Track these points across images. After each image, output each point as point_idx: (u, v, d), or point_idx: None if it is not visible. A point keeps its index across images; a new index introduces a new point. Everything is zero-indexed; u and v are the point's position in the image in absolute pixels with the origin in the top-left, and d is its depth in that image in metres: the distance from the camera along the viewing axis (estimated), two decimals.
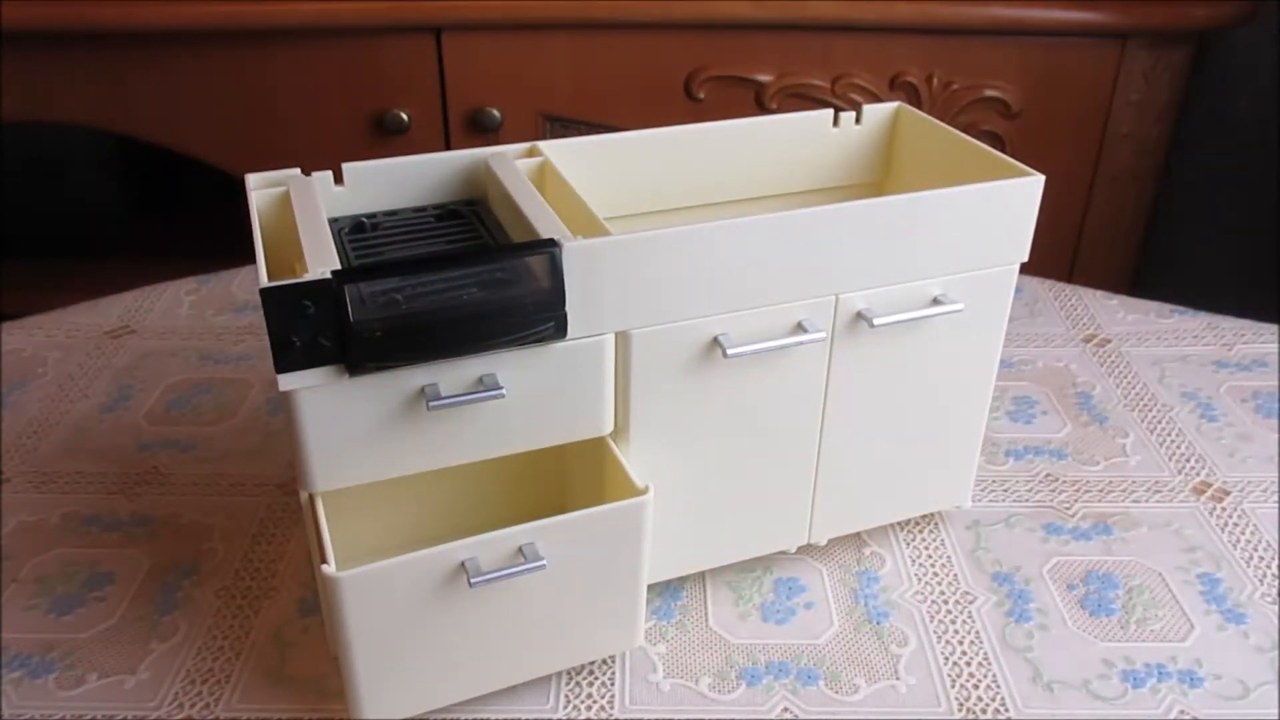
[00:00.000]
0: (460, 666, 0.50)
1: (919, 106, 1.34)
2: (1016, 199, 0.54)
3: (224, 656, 0.56)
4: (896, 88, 1.33)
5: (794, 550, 0.61)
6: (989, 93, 1.35)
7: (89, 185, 1.77)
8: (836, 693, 0.54)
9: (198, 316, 0.88)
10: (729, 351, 0.50)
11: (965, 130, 1.37)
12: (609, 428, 0.51)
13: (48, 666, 0.56)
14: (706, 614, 0.58)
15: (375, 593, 0.45)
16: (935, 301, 0.54)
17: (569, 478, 0.60)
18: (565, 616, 0.51)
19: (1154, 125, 1.38)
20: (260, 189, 0.52)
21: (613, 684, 0.54)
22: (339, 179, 0.54)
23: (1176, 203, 1.42)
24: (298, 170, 0.54)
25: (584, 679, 0.54)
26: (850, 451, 0.58)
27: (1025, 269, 1.01)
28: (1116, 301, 0.91)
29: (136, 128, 1.26)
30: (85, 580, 0.61)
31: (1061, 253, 1.44)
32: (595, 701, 0.53)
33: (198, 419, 0.76)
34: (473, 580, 0.46)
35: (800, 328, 0.52)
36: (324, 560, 0.45)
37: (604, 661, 0.55)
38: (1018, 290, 0.94)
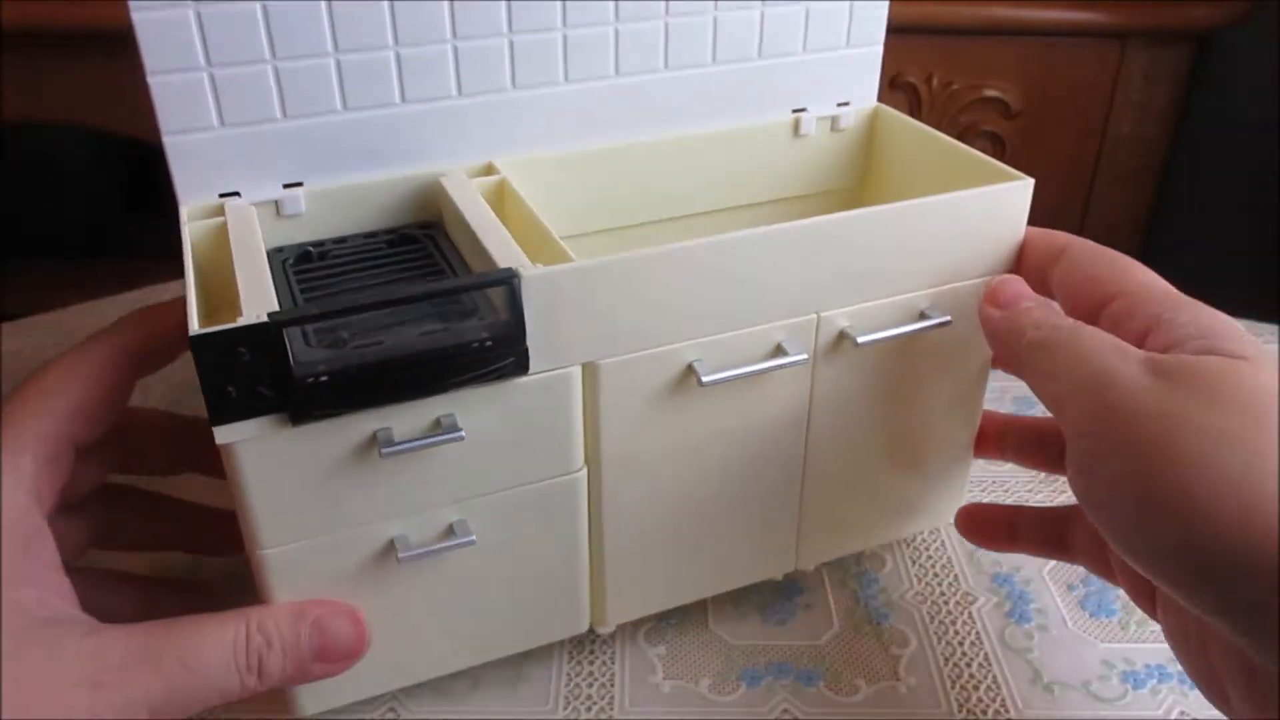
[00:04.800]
0: (396, 650, 0.49)
1: (919, 106, 1.34)
2: (1007, 204, 0.51)
3: None
4: (896, 88, 1.33)
5: (780, 577, 0.59)
6: (989, 93, 1.35)
7: (89, 185, 1.77)
8: (837, 694, 0.54)
9: None
10: (704, 379, 0.47)
11: (965, 130, 1.37)
12: (578, 465, 0.48)
13: None
14: (706, 615, 0.58)
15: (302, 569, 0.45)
16: (922, 315, 0.51)
17: None
18: (501, 598, 0.49)
19: (1154, 125, 1.38)
20: (196, 220, 0.49)
21: (613, 685, 0.54)
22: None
23: (1176, 203, 1.42)
24: (239, 195, 0.50)
25: (583, 680, 0.54)
26: (836, 475, 0.55)
27: None
28: None
29: (136, 128, 1.26)
30: None
31: None
32: (595, 703, 0.53)
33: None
34: (401, 556, 0.45)
35: (780, 350, 0.49)
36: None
37: (603, 662, 0.55)
38: None
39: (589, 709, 0.53)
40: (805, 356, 0.49)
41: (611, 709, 0.53)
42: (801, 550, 0.57)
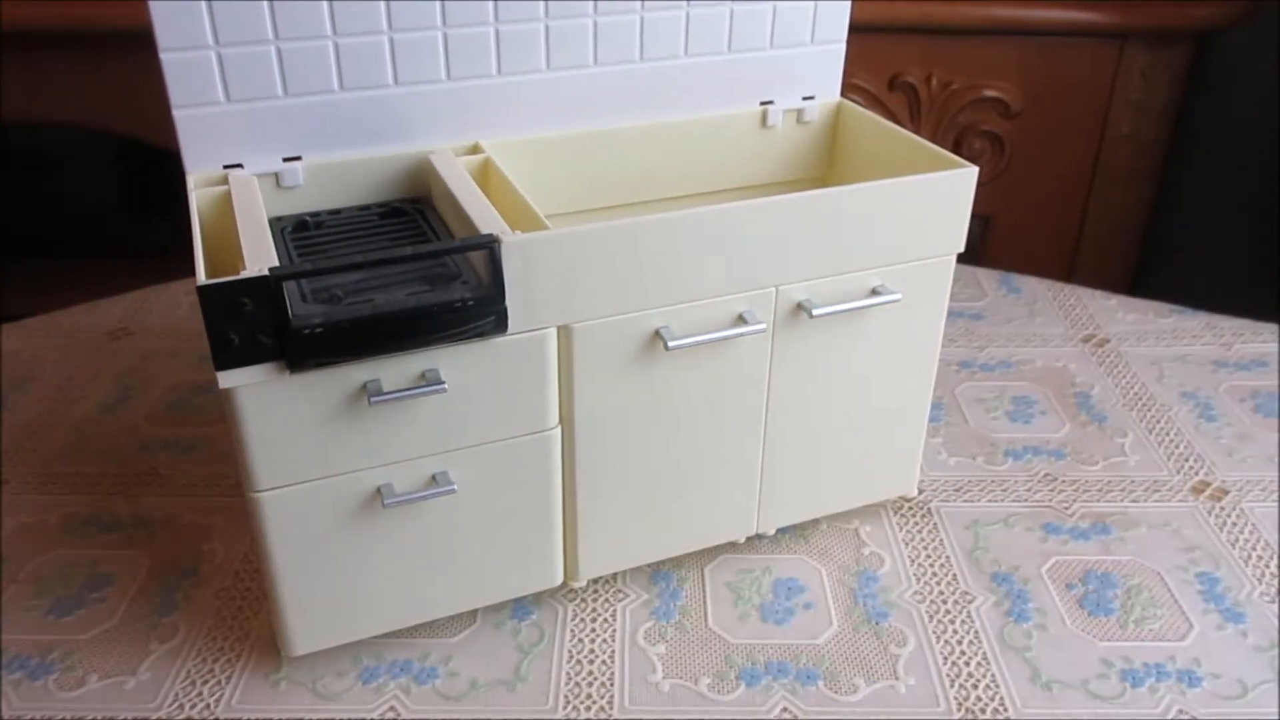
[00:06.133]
0: (381, 595, 0.52)
1: (918, 107, 1.34)
2: (951, 191, 0.54)
3: (224, 657, 0.56)
4: (896, 88, 1.33)
5: (743, 540, 0.61)
6: (989, 93, 1.35)
7: (89, 185, 1.77)
8: (836, 693, 0.54)
9: (197, 317, 0.88)
10: (670, 344, 0.51)
11: (965, 130, 1.37)
12: (553, 422, 0.52)
13: (48, 668, 0.56)
14: (706, 614, 0.58)
15: (294, 512, 0.48)
16: (874, 292, 0.55)
17: None
18: (479, 547, 0.53)
19: (1154, 125, 1.38)
20: (201, 188, 0.52)
21: (612, 684, 0.54)
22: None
23: (1176, 203, 1.42)
24: (242, 167, 0.54)
25: (583, 680, 0.54)
26: (795, 441, 0.59)
27: (1024, 269, 1.01)
28: (1115, 301, 0.91)
29: (136, 128, 1.26)
30: (85, 581, 0.61)
31: (1061, 253, 1.44)
32: (595, 702, 0.53)
33: (198, 419, 0.76)
34: (386, 502, 0.48)
35: (741, 319, 0.53)
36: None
37: (603, 662, 0.55)
38: (1017, 290, 0.95)
39: (589, 709, 0.53)
40: (764, 326, 0.53)
41: (611, 709, 0.53)
42: (763, 513, 0.61)
